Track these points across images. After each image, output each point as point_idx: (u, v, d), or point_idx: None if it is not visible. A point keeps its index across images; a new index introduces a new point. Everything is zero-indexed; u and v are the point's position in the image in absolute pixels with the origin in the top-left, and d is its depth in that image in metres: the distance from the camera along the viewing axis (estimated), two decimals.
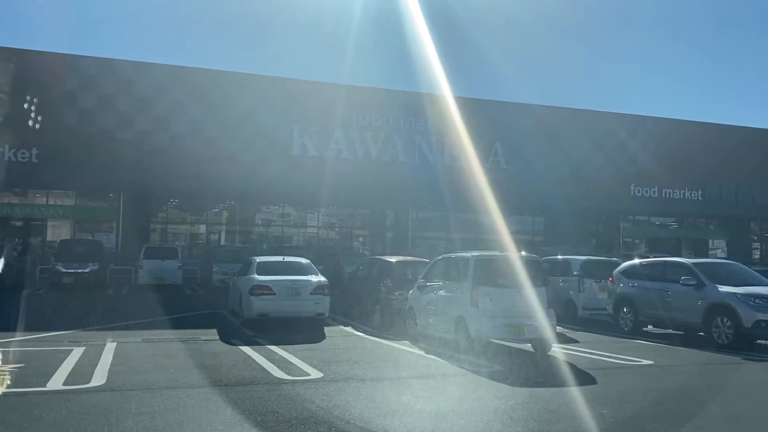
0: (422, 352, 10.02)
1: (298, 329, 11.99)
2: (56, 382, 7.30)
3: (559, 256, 16.68)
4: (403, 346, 10.66)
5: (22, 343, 9.99)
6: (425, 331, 11.17)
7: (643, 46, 72.28)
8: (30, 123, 22.54)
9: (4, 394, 6.73)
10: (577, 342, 11.53)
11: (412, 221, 29.36)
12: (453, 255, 11.82)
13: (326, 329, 12.38)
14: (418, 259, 15.07)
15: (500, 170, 28.48)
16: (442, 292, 11.02)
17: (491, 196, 20.43)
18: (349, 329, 12.85)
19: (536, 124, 29.51)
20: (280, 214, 30.58)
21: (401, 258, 15.38)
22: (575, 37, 65.01)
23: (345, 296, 15.81)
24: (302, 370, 8.28)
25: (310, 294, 12.50)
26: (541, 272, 10.66)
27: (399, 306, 12.64)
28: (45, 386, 7.12)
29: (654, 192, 32.63)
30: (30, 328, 11.30)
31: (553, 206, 28.22)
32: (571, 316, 14.45)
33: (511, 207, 23.65)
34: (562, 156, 29.70)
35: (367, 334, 12.08)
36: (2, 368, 7.93)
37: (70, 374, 7.70)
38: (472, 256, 10.57)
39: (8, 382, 7.41)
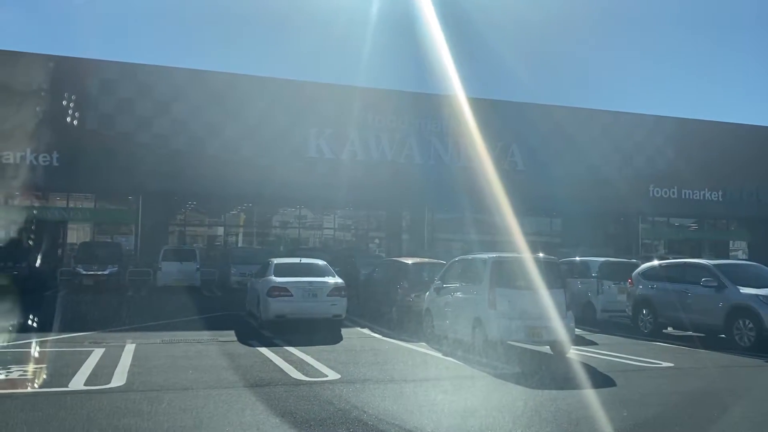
0: (439, 354, 10.00)
1: (315, 331, 12.02)
2: (77, 383, 7.39)
3: (577, 258, 16.57)
4: (420, 348, 10.65)
5: (44, 343, 10.13)
6: (442, 333, 11.15)
7: (662, 45, 71.65)
8: (51, 127, 22.85)
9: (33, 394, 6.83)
10: (596, 344, 11.44)
11: (428, 223, 29.31)
12: (470, 256, 11.80)
13: (343, 331, 12.40)
14: (435, 260, 15.04)
15: (517, 171, 28.34)
16: (458, 294, 10.99)
17: (508, 197, 20.34)
18: (365, 331, 12.86)
19: (553, 125, 29.34)
20: (297, 216, 30.70)
21: (417, 260, 15.36)
22: (592, 37, 64.61)
23: (361, 298, 15.84)
24: (319, 371, 8.30)
25: (327, 295, 12.53)
26: (559, 274, 10.60)
27: (415, 308, 12.63)
28: (67, 386, 7.21)
29: (673, 193, 32.28)
30: (51, 329, 11.45)
31: (570, 207, 28.03)
32: (589, 318, 14.34)
33: (528, 208, 23.56)
34: (580, 157, 29.49)
35: (383, 336, 12.08)
36: (27, 368, 8.04)
37: (90, 375, 7.79)
38: (489, 257, 10.54)
39: (44, 376, 7.53)
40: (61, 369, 8.02)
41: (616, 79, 66.96)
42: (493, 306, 9.78)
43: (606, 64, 66.63)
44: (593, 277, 14.98)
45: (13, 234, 22.73)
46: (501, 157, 27.85)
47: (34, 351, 9.33)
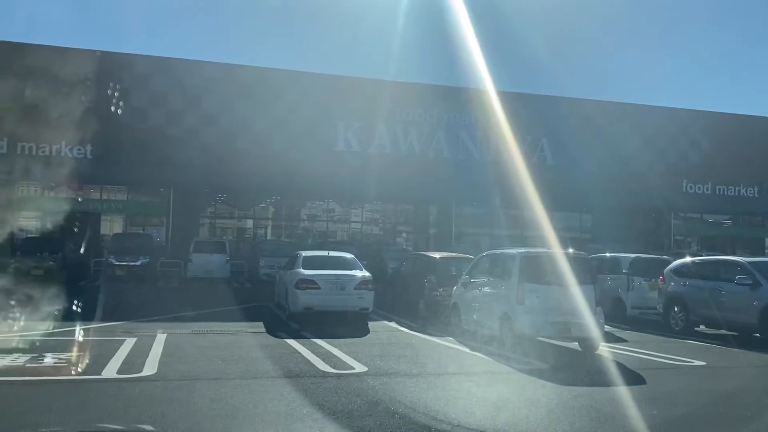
0: (467, 349, 9.98)
1: (342, 323, 12.09)
2: (110, 371, 7.55)
3: (608, 254, 16.35)
4: (447, 343, 10.64)
5: (78, 332, 10.35)
6: (469, 328, 11.12)
7: (696, 38, 70.05)
8: (85, 120, 23.30)
9: (65, 381, 7.01)
10: (626, 341, 11.29)
11: (455, 217, 29.18)
12: (498, 251, 11.74)
13: (370, 324, 12.45)
14: (462, 255, 14.99)
15: (547, 166, 28.03)
16: (486, 289, 10.95)
17: (537, 192, 20.14)
18: (392, 324, 12.89)
19: (584, 119, 28.94)
20: (325, 210, 30.84)
21: (445, 254, 15.33)
22: (625, 30, 63.43)
23: (388, 292, 15.86)
24: (347, 363, 8.35)
25: (355, 289, 12.58)
26: (589, 270, 10.48)
27: (443, 302, 12.61)
28: (100, 374, 7.38)
29: (707, 188, 31.62)
30: (85, 318, 11.69)
31: (601, 203, 27.64)
32: (619, 315, 14.16)
33: (557, 203, 23.25)
34: (611, 152, 29.04)
35: (410, 330, 12.09)
36: (61, 356, 8.24)
37: (123, 363, 7.95)
38: (518, 252, 10.47)
39: (78, 364, 7.72)
40: (94, 357, 8.20)
41: (649, 73, 65.72)
42: (522, 301, 9.71)
43: (638, 58, 65.43)
44: (624, 273, 14.77)
45: (48, 225, 23.26)
46: (530, 151, 27.57)
47: (70, 339, 9.56)
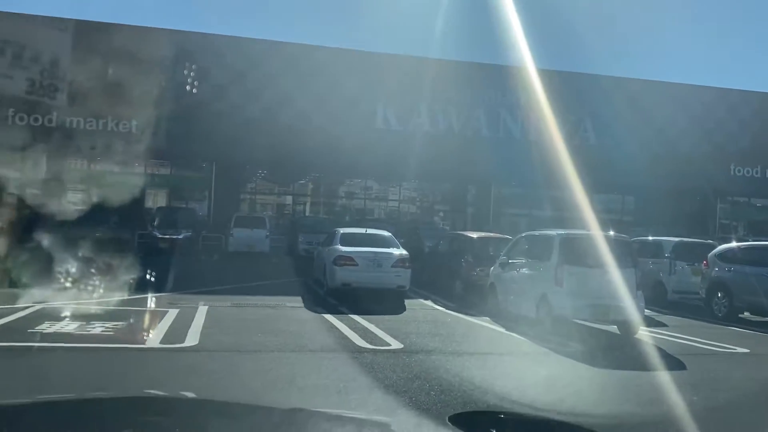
0: (503, 329, 9.97)
1: (379, 300, 12.18)
2: (154, 341, 7.80)
3: (650, 237, 16.04)
4: (483, 322, 10.64)
5: (123, 302, 10.70)
6: (506, 309, 11.09)
7: (747, 16, 67.22)
8: (129, 95, 23.75)
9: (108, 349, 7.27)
10: (666, 326, 11.11)
11: (494, 197, 28.94)
12: (537, 232, 11.64)
13: (406, 302, 12.51)
14: (500, 235, 14.90)
15: (589, 146, 27.48)
16: (525, 270, 10.88)
17: (579, 172, 19.79)
18: (429, 303, 12.94)
19: (629, 98, 28.19)
20: (363, 188, 30.93)
21: (483, 234, 15.26)
22: (670, 6, 61.27)
23: (425, 270, 15.89)
24: (383, 340, 8.43)
25: (392, 266, 12.65)
26: (629, 253, 10.31)
27: (479, 282, 12.59)
28: (144, 344, 7.62)
29: (756, 172, 30.58)
30: (130, 289, 12.04)
31: (644, 185, 27.03)
32: (660, 300, 13.90)
33: (599, 185, 22.86)
34: (656, 132, 28.28)
35: (447, 309, 12.12)
36: (107, 325, 8.53)
37: (166, 334, 8.19)
38: (558, 234, 10.36)
39: (123, 333, 7.98)
40: (138, 327, 8.48)
41: (697, 52, 63.46)
42: (560, 283, 9.63)
43: (685, 36, 63.21)
44: (666, 257, 14.48)
45: (94, 198, 23.91)
46: (572, 131, 27.05)
47: (119, 309, 9.89)
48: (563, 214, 22.00)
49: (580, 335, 9.36)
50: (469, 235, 14.96)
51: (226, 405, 1.78)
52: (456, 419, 1.76)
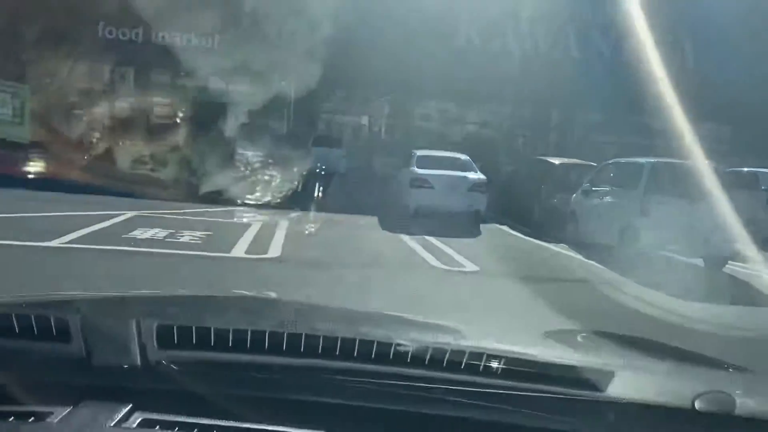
0: (581, 257, 9.77)
1: (454, 224, 12.14)
2: (239, 251, 8.11)
3: (746, 169, 15.07)
4: (561, 249, 10.46)
5: (209, 213, 11.16)
6: (586, 238, 10.80)
7: None
8: (210, 10, 23.86)
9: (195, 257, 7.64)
10: (758, 261, 10.55)
11: (579, 122, 27.81)
12: (624, 160, 11.16)
13: (482, 227, 12.42)
14: (584, 162, 14.37)
15: (687, 70, 25.64)
16: (608, 198, 10.51)
17: (674, 98, 18.60)
18: (505, 228, 12.79)
19: (735, 17, 25.89)
20: (440, 110, 30.40)
21: (565, 160, 14.76)
22: None
23: (503, 195, 15.64)
24: (458, 261, 8.45)
25: (468, 190, 12.51)
26: (721, 184, 9.72)
27: (559, 209, 12.28)
28: (229, 253, 7.96)
29: None
30: (213, 201, 12.50)
31: (745, 113, 25.19)
32: (753, 235, 13.16)
33: (694, 111, 21.46)
34: (765, 56, 26.01)
35: (523, 235, 11.97)
36: (195, 234, 8.94)
37: (250, 245, 8.50)
38: (647, 162, 9.89)
39: (209, 242, 8.37)
40: (223, 238, 8.84)
41: None
42: (647, 213, 9.25)
43: None
44: (763, 189, 13.59)
45: (176, 114, 24.66)
46: (670, 53, 25.19)
47: (205, 219, 10.34)
48: (653, 141, 20.88)
49: (664, 267, 9.05)
50: (551, 160, 14.53)
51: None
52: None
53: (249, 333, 1.17)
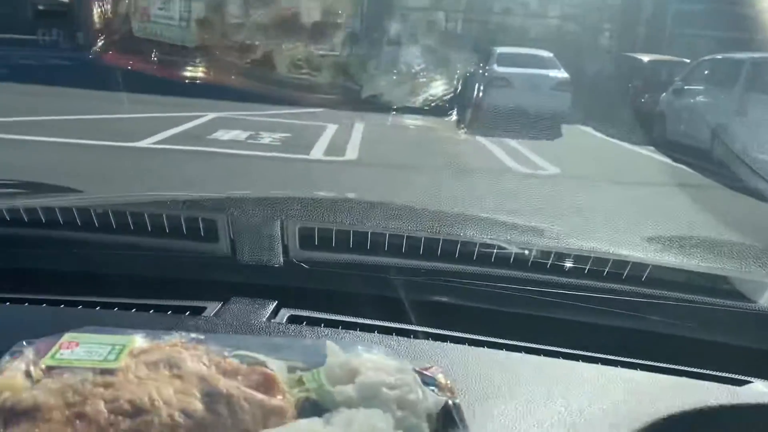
0: (669, 160, 9.34)
1: (534, 124, 11.76)
2: (317, 153, 8.21)
3: None
4: (647, 152, 10.01)
5: (291, 116, 11.25)
6: (675, 139, 10.29)
7: None
8: None
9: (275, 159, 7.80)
10: None
11: (671, 14, 25.73)
12: (722, 56, 10.36)
13: (564, 128, 11.98)
14: (675, 58, 13.45)
15: None
16: (701, 98, 9.87)
17: None
18: (588, 129, 12.30)
19: None
20: (522, 3, 28.82)
21: (655, 57, 13.85)
22: None
23: (587, 95, 14.94)
24: (536, 163, 8.25)
25: (551, 89, 12.03)
26: None
27: (647, 110, 11.67)
28: (308, 155, 8.07)
29: None
30: (284, 103, 12.51)
31: None
32: None
33: None
34: None
35: (608, 136, 11.49)
36: (274, 135, 9.08)
37: (327, 147, 8.58)
38: (748, 58, 9.15)
39: (289, 144, 8.49)
40: (301, 140, 8.93)
41: None
42: (744, 114, 8.65)
43: None
44: None
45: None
46: None
47: (284, 121, 10.45)
48: (754, 35, 19.17)
49: (761, 171, 8.54)
50: (639, 57, 13.67)
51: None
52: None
53: (387, 237, 1.19)
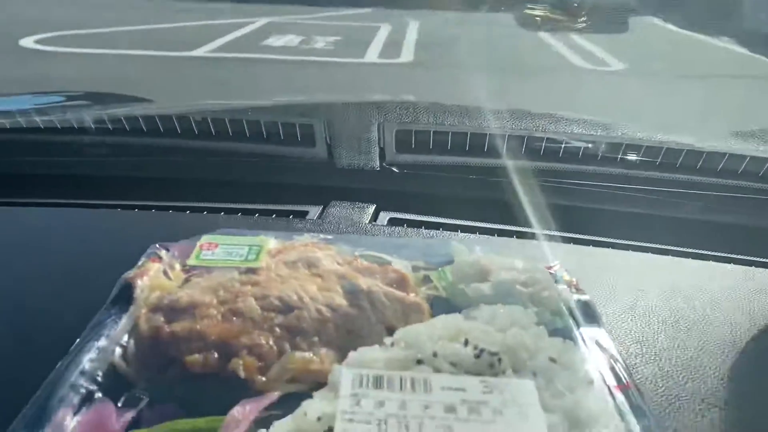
0: (746, 50, 8.74)
1: (598, 17, 11.11)
2: (372, 55, 8.01)
3: None
4: (724, 43, 9.41)
5: (340, 17, 10.95)
6: (755, 27, 9.58)
7: None
8: None
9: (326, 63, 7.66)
10: None
11: None
12: None
13: (631, 19, 11.26)
14: None
15: None
16: None
17: None
18: (657, 21, 11.57)
19: None
20: None
21: None
22: None
23: None
24: (602, 59, 7.87)
25: None
26: None
27: None
28: (363, 58, 7.89)
29: None
30: (340, 3, 12.13)
31: None
32: None
33: None
34: None
35: (679, 28, 10.79)
36: (327, 39, 8.88)
37: (382, 49, 8.35)
38: None
39: (342, 47, 8.31)
40: (354, 42, 8.71)
41: None
42: None
43: None
44: None
45: None
46: None
47: (338, 24, 10.18)
48: None
49: None
50: None
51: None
52: None
53: (487, 137, 1.16)
